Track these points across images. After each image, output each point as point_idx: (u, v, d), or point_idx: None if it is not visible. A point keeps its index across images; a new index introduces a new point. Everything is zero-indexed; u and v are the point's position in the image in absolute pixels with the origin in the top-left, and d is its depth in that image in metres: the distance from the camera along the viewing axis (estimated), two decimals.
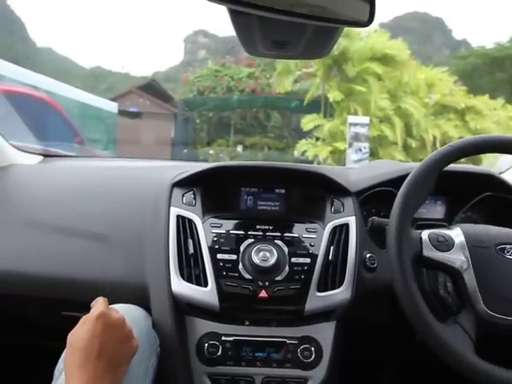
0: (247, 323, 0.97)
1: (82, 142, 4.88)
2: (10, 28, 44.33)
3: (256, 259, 0.95)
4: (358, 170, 1.27)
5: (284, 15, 0.62)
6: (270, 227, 1.02)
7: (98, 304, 0.77)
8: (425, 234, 0.86)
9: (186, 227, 1.00)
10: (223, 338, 0.96)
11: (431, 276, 0.96)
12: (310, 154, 12.50)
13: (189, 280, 0.95)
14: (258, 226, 1.02)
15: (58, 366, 0.79)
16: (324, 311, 0.97)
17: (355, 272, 0.98)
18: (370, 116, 12.32)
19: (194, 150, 15.86)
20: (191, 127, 17.72)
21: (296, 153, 13.76)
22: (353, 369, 1.11)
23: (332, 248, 0.99)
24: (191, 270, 0.96)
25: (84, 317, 0.75)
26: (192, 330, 0.97)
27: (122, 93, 17.61)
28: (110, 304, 0.80)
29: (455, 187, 1.12)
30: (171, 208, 1.02)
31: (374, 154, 11.53)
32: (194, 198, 1.06)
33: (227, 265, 0.96)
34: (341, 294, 0.97)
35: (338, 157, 11.75)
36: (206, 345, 0.96)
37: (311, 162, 10.24)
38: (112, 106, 10.02)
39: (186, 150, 15.01)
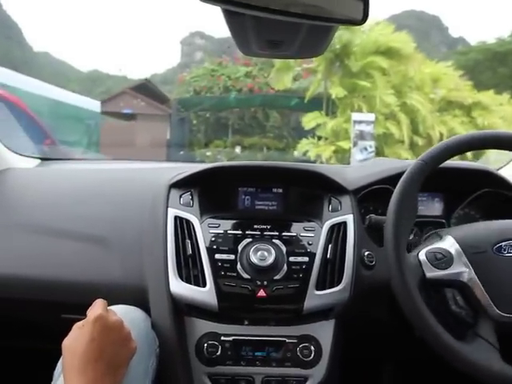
0: (246, 323, 0.97)
1: (53, 145, 4.37)
2: (7, 33, 44.21)
3: (254, 259, 0.95)
4: (355, 168, 1.28)
5: (278, 15, 0.63)
6: (268, 226, 1.02)
7: (96, 307, 0.76)
8: (422, 255, 0.86)
9: (183, 228, 1.00)
10: (222, 338, 0.96)
11: (438, 295, 0.93)
12: (312, 154, 12.00)
13: (187, 280, 0.95)
14: (255, 226, 1.02)
15: (57, 368, 0.78)
16: (323, 310, 0.96)
17: (353, 270, 0.98)
18: (375, 113, 11.74)
19: (191, 152, 15.48)
20: (187, 128, 17.30)
21: (296, 153, 13.32)
22: (352, 367, 1.11)
23: (330, 246, 0.99)
24: (189, 270, 0.96)
25: (76, 324, 0.75)
26: (191, 331, 0.97)
27: (115, 94, 16.70)
28: (108, 305, 0.79)
29: (453, 184, 1.13)
30: (169, 209, 1.02)
31: (379, 153, 11.10)
32: (192, 199, 1.05)
33: (225, 265, 0.96)
34: (339, 292, 0.96)
35: (342, 156, 10.91)
36: (206, 345, 0.95)
37: (314, 163, 9.23)
38: (94, 105, 9.01)
39: (182, 152, 14.71)
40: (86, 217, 1.11)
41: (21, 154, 1.41)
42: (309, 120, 11.83)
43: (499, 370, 0.77)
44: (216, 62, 19.08)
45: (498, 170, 1.29)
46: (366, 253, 1.02)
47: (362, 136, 11.11)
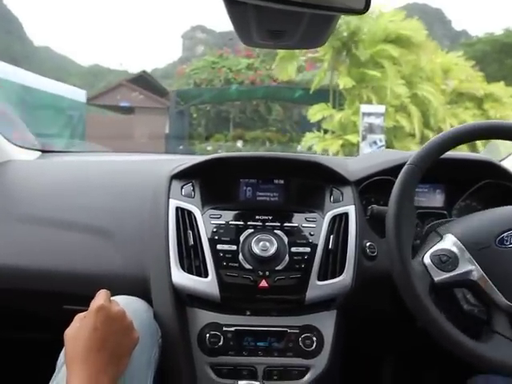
0: (248, 313, 0.99)
1: (24, 138, 2.90)
2: (8, 27, 43.62)
3: (256, 249, 0.96)
4: (357, 159, 1.28)
5: (279, 3, 0.62)
6: (270, 217, 1.03)
7: (99, 297, 0.78)
8: (426, 259, 0.86)
9: (185, 219, 1.01)
10: (224, 329, 0.97)
11: (448, 296, 0.95)
12: (318, 148, 11.47)
13: (189, 271, 0.96)
14: (257, 217, 1.03)
15: (59, 358, 0.80)
16: (325, 300, 0.98)
17: (355, 261, 0.99)
18: (385, 105, 11.13)
19: (191, 146, 15.06)
20: (187, 121, 16.75)
21: (300, 147, 12.85)
22: (353, 357, 1.13)
23: (332, 237, 1.00)
24: (191, 261, 0.97)
25: (78, 315, 0.77)
26: (193, 321, 0.98)
27: (112, 86, 15.87)
28: (111, 296, 0.81)
29: (454, 175, 1.15)
30: (170, 200, 1.03)
31: (388, 147, 10.54)
32: (193, 190, 1.06)
33: (227, 255, 0.97)
34: (341, 282, 0.97)
35: (350, 151, 10.15)
36: (208, 335, 0.96)
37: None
38: (78, 94, 8.04)
39: (181, 147, 14.26)
40: (88, 208, 1.11)
41: (21, 147, 1.42)
42: (315, 112, 11.06)
43: None
44: (217, 53, 18.62)
45: (500, 161, 1.29)
46: (368, 243, 1.02)
47: (371, 129, 10.53)
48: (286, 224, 1.02)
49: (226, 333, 0.98)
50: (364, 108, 10.42)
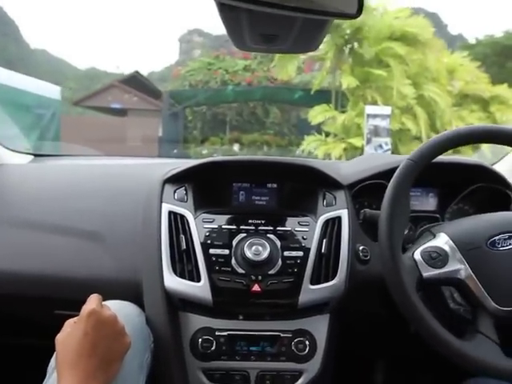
0: (241, 317, 1.00)
1: None
2: (4, 30, 43.28)
3: (248, 253, 0.97)
4: (350, 163, 1.30)
5: (272, 8, 0.62)
6: (263, 221, 1.04)
7: (90, 302, 0.78)
8: (417, 255, 0.88)
9: (178, 223, 1.02)
10: (217, 333, 0.98)
11: (436, 293, 0.98)
12: (320, 152, 10.74)
13: (181, 275, 0.97)
14: (250, 221, 1.04)
15: (50, 364, 0.81)
16: (318, 304, 0.99)
17: (348, 264, 1.00)
18: (391, 106, 10.42)
19: (185, 150, 14.57)
20: (181, 124, 16.20)
21: (299, 151, 12.11)
22: (347, 361, 1.15)
23: (324, 241, 1.02)
24: (184, 265, 0.98)
25: (68, 320, 0.78)
26: (186, 326, 0.99)
27: (103, 87, 14.98)
28: (103, 300, 0.84)
29: (447, 179, 1.16)
30: (163, 204, 1.04)
31: (393, 152, 10.06)
32: (186, 194, 1.07)
33: (220, 259, 0.98)
34: (334, 286, 0.99)
35: (353, 155, 9.06)
36: (200, 340, 0.97)
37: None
38: (50, 91, 7.05)
39: (175, 150, 13.82)
40: (80, 212, 1.12)
41: (14, 150, 1.42)
42: (316, 114, 10.40)
43: (500, 364, 0.80)
44: (213, 55, 18.22)
45: (492, 165, 1.33)
46: (361, 247, 1.04)
47: (376, 132, 9.87)
48: (278, 228, 1.03)
49: (218, 337, 0.98)
50: (369, 109, 9.97)
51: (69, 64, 53.59)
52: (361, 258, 1.03)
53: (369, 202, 1.15)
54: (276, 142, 15.77)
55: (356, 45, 10.89)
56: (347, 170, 1.17)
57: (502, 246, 0.88)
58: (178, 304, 0.99)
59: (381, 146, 9.66)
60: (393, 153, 9.57)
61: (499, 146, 0.96)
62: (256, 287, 0.96)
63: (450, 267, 0.87)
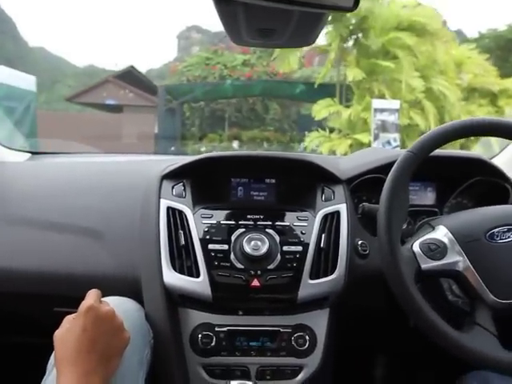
0: (240, 313, 1.01)
1: None
2: (1, 27, 42.67)
3: (247, 248, 0.98)
4: (349, 158, 1.31)
5: (268, 1, 0.61)
6: (261, 216, 1.05)
7: (89, 297, 0.80)
8: (416, 246, 0.89)
9: (176, 219, 1.03)
10: (217, 329, 0.99)
11: (434, 285, 0.99)
12: (324, 148, 10.19)
13: (181, 271, 0.99)
14: (248, 216, 1.05)
15: (50, 361, 0.82)
16: (317, 299, 1.01)
17: (347, 259, 1.02)
18: (399, 100, 9.79)
19: (183, 147, 14.01)
20: (178, 120, 15.65)
21: (301, 148, 11.78)
22: (348, 357, 1.17)
23: (323, 236, 1.03)
24: (183, 261, 0.99)
25: (67, 316, 0.79)
26: (185, 322, 1.00)
27: (98, 83, 14.25)
28: (102, 297, 0.86)
29: (445, 173, 1.18)
30: (161, 200, 1.05)
31: (401, 148, 8.19)
32: (184, 190, 1.08)
33: (219, 255, 0.99)
34: (333, 281, 1.00)
35: None
36: (200, 336, 0.99)
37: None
38: (23, 81, 6.26)
39: (173, 148, 13.14)
40: (78, 209, 1.13)
41: (11, 148, 1.43)
42: (320, 109, 9.81)
43: (497, 356, 0.81)
44: (211, 49, 17.84)
45: (491, 158, 1.34)
46: (360, 242, 1.05)
47: (384, 127, 9.34)
48: (277, 223, 1.04)
49: (218, 333, 0.99)
50: (376, 103, 9.59)
51: (67, 62, 53.19)
52: (360, 252, 1.04)
53: (367, 196, 1.15)
54: (277, 138, 15.38)
55: (361, 35, 10.15)
56: (346, 165, 1.18)
57: (500, 239, 0.89)
58: (177, 300, 1.00)
59: (389, 143, 9.21)
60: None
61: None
62: (255, 282, 0.96)
63: (449, 259, 0.87)
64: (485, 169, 1.16)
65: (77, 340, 0.72)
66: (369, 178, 1.12)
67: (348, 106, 10.52)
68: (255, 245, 0.98)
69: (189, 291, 0.97)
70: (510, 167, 1.21)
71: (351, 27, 10.09)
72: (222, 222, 1.03)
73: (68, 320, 0.77)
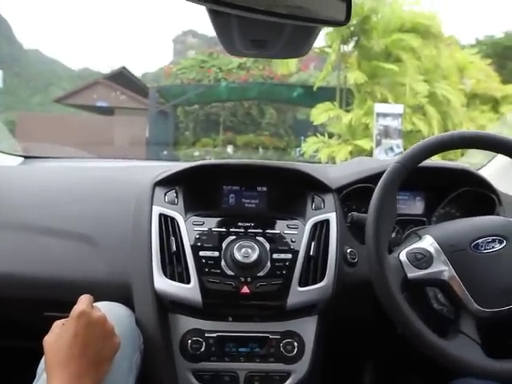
0: (230, 319, 1.03)
1: None
2: None
3: (238, 255, 1.00)
4: (339, 167, 1.36)
5: (262, 15, 0.63)
6: (252, 224, 1.08)
7: (81, 302, 0.82)
8: (402, 255, 0.92)
9: (168, 225, 1.05)
10: (206, 335, 1.01)
11: (420, 294, 1.01)
12: (323, 154, 9.71)
13: (171, 277, 1.00)
14: (239, 223, 1.07)
15: (40, 365, 0.83)
16: (306, 306, 1.03)
17: (336, 267, 1.04)
18: (402, 104, 9.20)
19: (176, 152, 13.48)
20: (171, 123, 15.13)
21: (298, 154, 11.35)
22: (337, 363, 1.19)
23: (313, 244, 1.05)
24: (174, 267, 1.01)
25: (56, 322, 0.81)
26: (175, 327, 1.02)
27: (87, 84, 13.62)
28: (94, 302, 0.90)
29: (433, 183, 1.21)
30: (153, 207, 1.08)
31: None
32: (176, 197, 1.10)
33: (209, 262, 1.01)
34: (322, 288, 1.02)
35: None
36: (190, 341, 1.01)
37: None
38: None
39: (165, 152, 12.63)
40: (71, 216, 1.15)
41: (4, 152, 1.44)
42: (319, 113, 9.35)
43: (480, 363, 0.84)
44: (206, 52, 17.29)
45: (478, 170, 1.39)
46: (349, 250, 1.07)
47: (386, 133, 8.84)
48: (267, 231, 1.07)
49: (208, 339, 1.01)
50: (379, 108, 9.24)
51: (62, 64, 52.70)
52: (349, 260, 1.06)
53: (357, 205, 1.18)
54: (273, 143, 15.09)
55: (362, 36, 9.62)
56: (336, 174, 1.21)
57: (485, 249, 0.91)
58: (167, 306, 1.02)
59: (392, 149, 8.83)
60: None
61: None
62: (245, 289, 0.98)
63: (435, 268, 0.90)
64: (472, 179, 1.19)
65: (68, 344, 0.74)
66: (358, 187, 1.15)
67: (348, 111, 10.15)
68: (245, 252, 1.00)
69: (179, 297, 0.99)
70: (496, 178, 1.24)
71: (352, 28, 9.60)
72: (213, 229, 1.05)
73: (57, 325, 0.80)
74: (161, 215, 1.05)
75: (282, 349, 1.00)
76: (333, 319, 1.05)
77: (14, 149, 1.59)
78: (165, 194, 1.09)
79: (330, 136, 10.22)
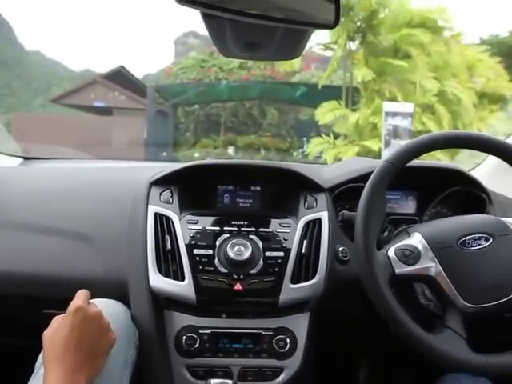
0: (224, 316, 1.06)
1: None
2: None
3: (231, 253, 1.03)
4: (333, 167, 1.38)
5: (254, 18, 0.65)
6: (245, 223, 1.11)
7: (78, 298, 0.84)
8: (391, 252, 0.94)
9: (163, 224, 1.08)
10: (201, 331, 1.04)
11: (408, 289, 1.04)
12: (329, 156, 9.10)
13: (166, 275, 1.03)
14: (233, 222, 1.10)
15: (38, 359, 0.86)
16: (298, 302, 1.06)
17: (327, 264, 1.07)
18: (412, 103, 8.66)
19: (176, 153, 13.02)
20: (171, 124, 14.63)
21: (301, 155, 11.08)
22: (329, 360, 1.20)
23: (305, 242, 1.08)
24: (169, 265, 1.04)
25: (55, 317, 0.83)
26: (170, 324, 1.05)
27: (84, 83, 13.16)
28: (90, 299, 0.94)
29: (425, 183, 1.24)
30: (149, 206, 1.11)
31: None
32: (172, 196, 1.13)
33: (203, 259, 1.04)
34: (314, 285, 1.05)
35: None
36: (184, 337, 1.03)
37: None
38: None
39: (165, 153, 12.16)
40: (69, 215, 1.18)
41: (3, 153, 1.47)
42: (325, 112, 8.95)
43: (466, 358, 0.87)
44: (207, 52, 16.64)
45: (469, 170, 1.42)
46: (341, 248, 1.10)
47: (396, 133, 8.31)
48: (261, 229, 1.10)
49: (202, 335, 1.04)
50: (388, 106, 8.86)
51: (63, 66, 52.37)
52: (340, 258, 1.08)
53: (350, 204, 1.21)
54: (275, 144, 14.78)
55: (369, 32, 9.15)
56: (329, 174, 1.23)
57: (471, 246, 0.93)
58: (162, 302, 1.05)
59: None
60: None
61: None
62: (238, 286, 1.01)
63: (422, 264, 0.92)
64: (462, 179, 1.23)
65: (65, 339, 0.76)
66: (350, 186, 1.18)
67: (354, 110, 9.74)
68: (238, 250, 1.02)
69: (174, 294, 1.02)
70: (488, 179, 1.27)
71: (359, 23, 9.08)
72: (207, 228, 1.08)
73: (57, 320, 0.82)
74: (156, 214, 1.08)
75: (274, 345, 1.03)
76: (325, 316, 1.08)
77: (14, 150, 1.61)
78: (160, 194, 1.12)
79: (336, 137, 9.76)
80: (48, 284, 1.08)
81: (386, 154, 7.63)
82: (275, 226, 1.09)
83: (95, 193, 1.23)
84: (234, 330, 1.03)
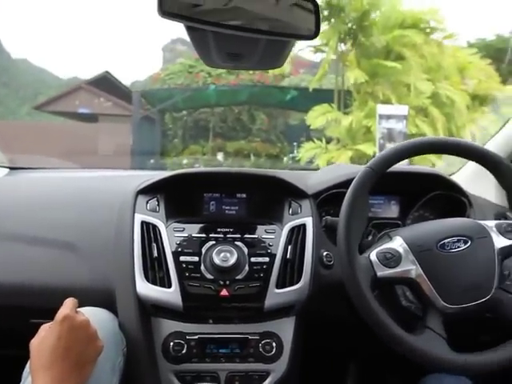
0: (211, 321, 1.09)
1: None
2: None
3: (217, 260, 1.05)
4: (317, 173, 1.40)
5: (235, 30, 0.67)
6: (231, 229, 1.13)
7: (65, 306, 0.85)
8: (373, 255, 0.96)
9: (150, 232, 1.10)
10: (188, 337, 1.06)
11: (390, 292, 1.08)
12: (322, 161, 8.79)
13: (153, 282, 1.05)
14: (219, 229, 1.13)
15: (25, 369, 0.87)
16: (283, 307, 1.09)
17: (312, 269, 1.10)
18: (405, 105, 8.47)
19: (163, 160, 12.57)
20: (158, 130, 14.26)
21: (292, 161, 10.74)
22: (317, 363, 1.23)
23: (290, 247, 1.10)
24: (155, 272, 1.06)
25: (43, 325, 0.83)
26: (158, 330, 1.06)
27: (69, 90, 12.69)
28: (77, 307, 0.96)
29: (407, 187, 1.28)
30: (136, 214, 1.13)
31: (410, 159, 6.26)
32: (158, 205, 1.14)
33: (190, 266, 1.05)
34: (299, 290, 1.08)
35: (361, 164, 6.30)
36: (172, 344, 1.05)
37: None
38: None
39: (152, 161, 11.67)
40: (55, 224, 1.19)
41: None
42: (316, 115, 8.67)
43: (446, 357, 0.89)
44: (194, 57, 16.34)
45: (450, 175, 1.44)
46: (325, 253, 1.12)
47: (390, 136, 8.10)
48: (246, 236, 1.12)
49: (189, 341, 1.05)
50: (382, 109, 8.59)
51: (51, 73, 51.65)
52: (325, 263, 1.11)
53: (334, 210, 1.23)
54: (265, 150, 14.66)
55: (360, 33, 8.89)
56: (313, 180, 1.26)
57: (451, 249, 0.95)
58: (150, 309, 1.07)
59: None
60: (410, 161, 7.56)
61: None
62: (224, 292, 1.03)
63: (403, 267, 0.94)
64: (443, 184, 1.26)
65: (52, 347, 0.77)
66: (334, 192, 1.21)
67: (347, 113, 9.59)
68: (224, 256, 1.04)
69: (161, 301, 1.04)
70: (468, 183, 1.30)
71: (350, 24, 8.78)
72: (193, 235, 1.10)
73: (44, 328, 0.83)
74: (143, 222, 1.10)
75: (260, 349, 1.05)
76: (310, 320, 1.10)
77: (0, 160, 1.60)
78: (147, 202, 1.14)
79: (328, 141, 9.58)
80: (35, 293, 1.09)
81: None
82: (260, 232, 1.12)
83: (81, 202, 1.25)
84: (220, 336, 1.06)
